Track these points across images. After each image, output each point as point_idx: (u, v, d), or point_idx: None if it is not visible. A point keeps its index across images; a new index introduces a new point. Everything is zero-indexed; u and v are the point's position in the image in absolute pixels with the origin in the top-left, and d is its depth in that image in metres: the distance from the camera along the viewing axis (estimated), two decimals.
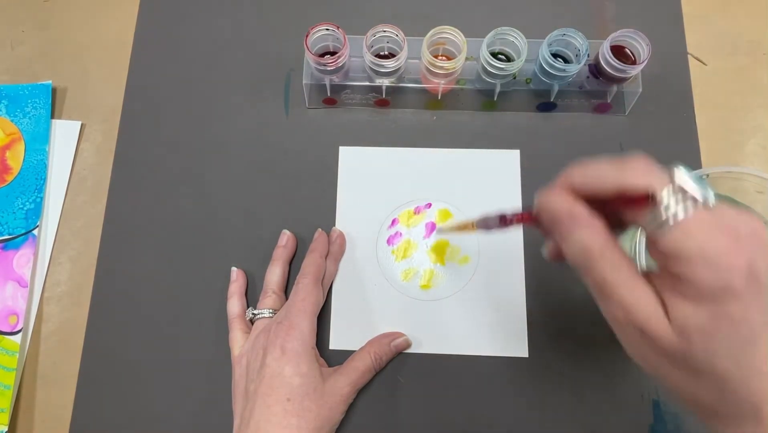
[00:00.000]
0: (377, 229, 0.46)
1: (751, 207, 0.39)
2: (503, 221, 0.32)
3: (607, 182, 0.24)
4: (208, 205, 0.47)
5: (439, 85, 0.46)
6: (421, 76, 0.46)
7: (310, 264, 0.42)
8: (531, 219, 0.28)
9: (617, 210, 0.25)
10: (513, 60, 0.44)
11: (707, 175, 0.36)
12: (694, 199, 0.22)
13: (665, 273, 0.23)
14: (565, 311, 0.43)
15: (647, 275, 0.24)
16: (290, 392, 0.36)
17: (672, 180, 0.23)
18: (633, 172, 0.23)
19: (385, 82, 0.46)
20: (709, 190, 0.23)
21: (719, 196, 0.22)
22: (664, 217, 0.22)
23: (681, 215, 0.22)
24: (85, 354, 0.44)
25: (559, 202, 0.25)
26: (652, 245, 0.24)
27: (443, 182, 0.46)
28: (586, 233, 0.24)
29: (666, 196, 0.22)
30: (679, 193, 0.22)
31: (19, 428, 0.43)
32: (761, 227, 0.22)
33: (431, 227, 0.45)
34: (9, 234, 0.46)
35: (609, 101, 0.46)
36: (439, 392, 0.42)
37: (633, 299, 0.24)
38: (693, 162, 0.46)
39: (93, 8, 0.53)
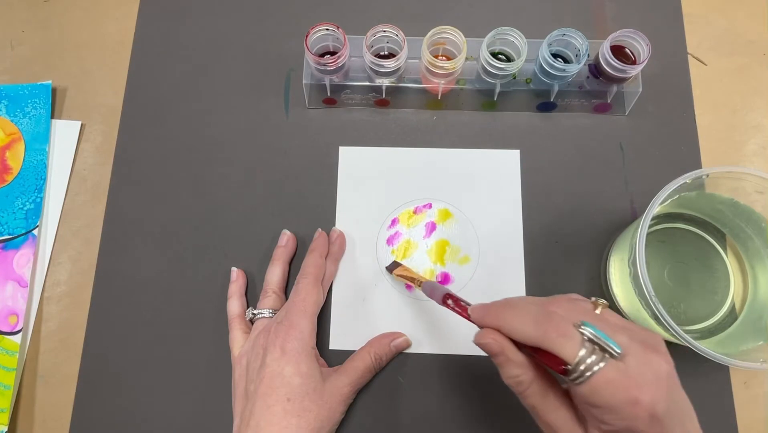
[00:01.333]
0: (377, 229, 0.46)
1: (752, 207, 0.39)
2: (445, 300, 0.35)
3: (528, 339, 0.28)
4: (208, 205, 0.47)
5: (439, 85, 0.46)
6: (421, 76, 0.46)
7: (310, 264, 0.42)
8: (467, 318, 0.32)
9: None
10: (513, 60, 0.44)
11: (707, 176, 0.36)
12: (603, 355, 0.26)
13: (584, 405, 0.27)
14: None
15: (573, 396, 0.28)
16: (290, 392, 0.36)
17: (583, 341, 0.26)
18: (550, 335, 0.27)
19: (385, 82, 0.46)
20: (613, 343, 0.26)
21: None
22: (576, 374, 0.26)
23: (589, 373, 0.26)
24: (85, 354, 0.44)
25: (491, 344, 0.29)
26: (570, 388, 0.28)
27: (443, 182, 0.46)
28: (516, 370, 0.29)
29: (578, 358, 0.26)
30: (588, 352, 0.26)
31: (19, 428, 0.43)
32: (665, 369, 0.26)
33: (431, 227, 0.45)
34: (9, 234, 0.46)
35: (609, 101, 0.46)
36: (439, 392, 0.42)
37: (558, 420, 0.29)
38: (693, 162, 0.46)
39: (93, 8, 0.53)
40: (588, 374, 0.26)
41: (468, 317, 0.32)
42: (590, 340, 0.26)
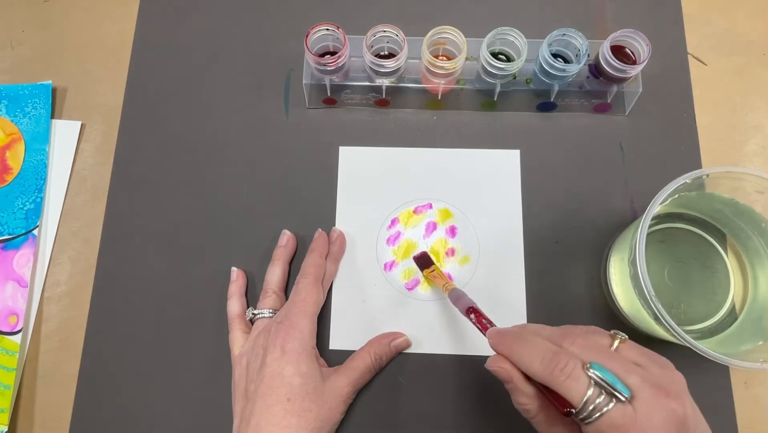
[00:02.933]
0: (377, 229, 0.46)
1: (752, 207, 0.39)
2: (468, 314, 0.36)
3: (535, 376, 0.28)
4: (208, 205, 0.47)
5: (439, 85, 0.46)
6: (421, 76, 0.46)
7: (310, 264, 0.42)
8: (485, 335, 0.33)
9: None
10: (513, 60, 0.44)
11: (707, 176, 0.36)
12: (611, 397, 0.26)
13: None
14: (564, 312, 0.43)
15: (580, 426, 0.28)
16: (290, 392, 0.36)
17: (590, 383, 0.26)
18: (557, 377, 0.27)
19: (385, 82, 0.46)
20: (621, 386, 0.26)
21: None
22: (584, 414, 0.26)
23: (597, 414, 0.26)
24: (85, 354, 0.44)
25: (500, 371, 0.30)
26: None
27: (443, 182, 0.46)
28: (524, 399, 0.30)
29: (585, 398, 0.26)
30: (596, 393, 0.26)
31: (19, 428, 0.43)
32: (677, 414, 0.26)
33: (431, 227, 0.45)
34: (9, 234, 0.46)
35: (609, 101, 0.46)
36: (439, 392, 0.42)
37: None
38: (693, 162, 0.46)
39: (93, 8, 0.53)
40: (596, 415, 0.26)
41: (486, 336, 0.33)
42: (598, 383, 0.26)
